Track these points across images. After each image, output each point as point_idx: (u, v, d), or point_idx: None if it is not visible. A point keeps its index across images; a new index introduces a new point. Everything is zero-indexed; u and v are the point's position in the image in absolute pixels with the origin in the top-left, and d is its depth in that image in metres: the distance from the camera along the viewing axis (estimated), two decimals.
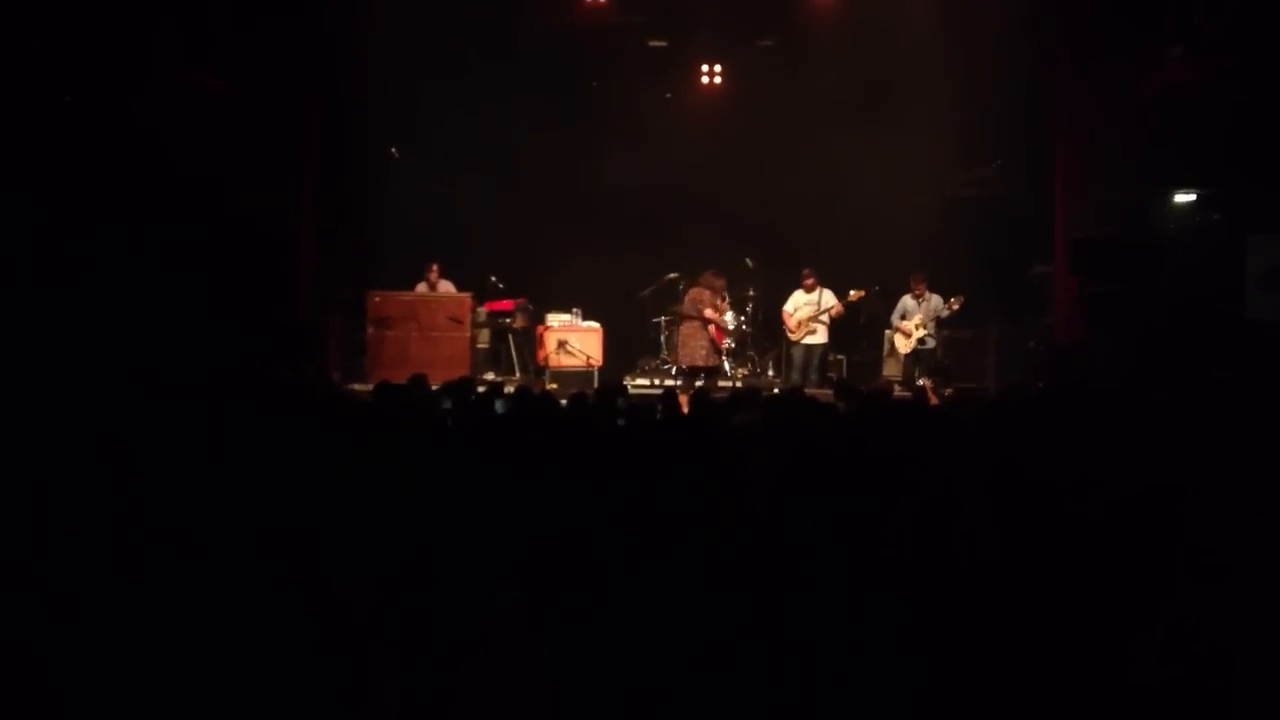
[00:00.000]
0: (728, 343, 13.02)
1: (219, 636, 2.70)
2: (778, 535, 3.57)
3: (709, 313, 12.37)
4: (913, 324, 12.59)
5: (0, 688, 2.69)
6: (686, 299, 12.58)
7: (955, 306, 12.41)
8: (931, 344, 12.64)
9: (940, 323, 12.58)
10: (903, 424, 6.51)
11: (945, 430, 6.51)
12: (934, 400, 10.52)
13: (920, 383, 12.26)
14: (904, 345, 12.73)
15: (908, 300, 12.78)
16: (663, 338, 13.85)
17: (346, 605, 2.88)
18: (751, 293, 13.94)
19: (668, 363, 13.62)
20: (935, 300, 12.55)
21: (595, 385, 11.89)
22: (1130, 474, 4.16)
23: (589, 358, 13.19)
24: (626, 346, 14.22)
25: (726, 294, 12.82)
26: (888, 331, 13.16)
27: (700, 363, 12.38)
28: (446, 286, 13.26)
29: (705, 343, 12.38)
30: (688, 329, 12.46)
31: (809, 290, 12.89)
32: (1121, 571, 3.39)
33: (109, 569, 3.19)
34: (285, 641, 2.65)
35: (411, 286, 13.19)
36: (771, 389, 11.76)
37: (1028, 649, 3.06)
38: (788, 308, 12.97)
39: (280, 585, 2.94)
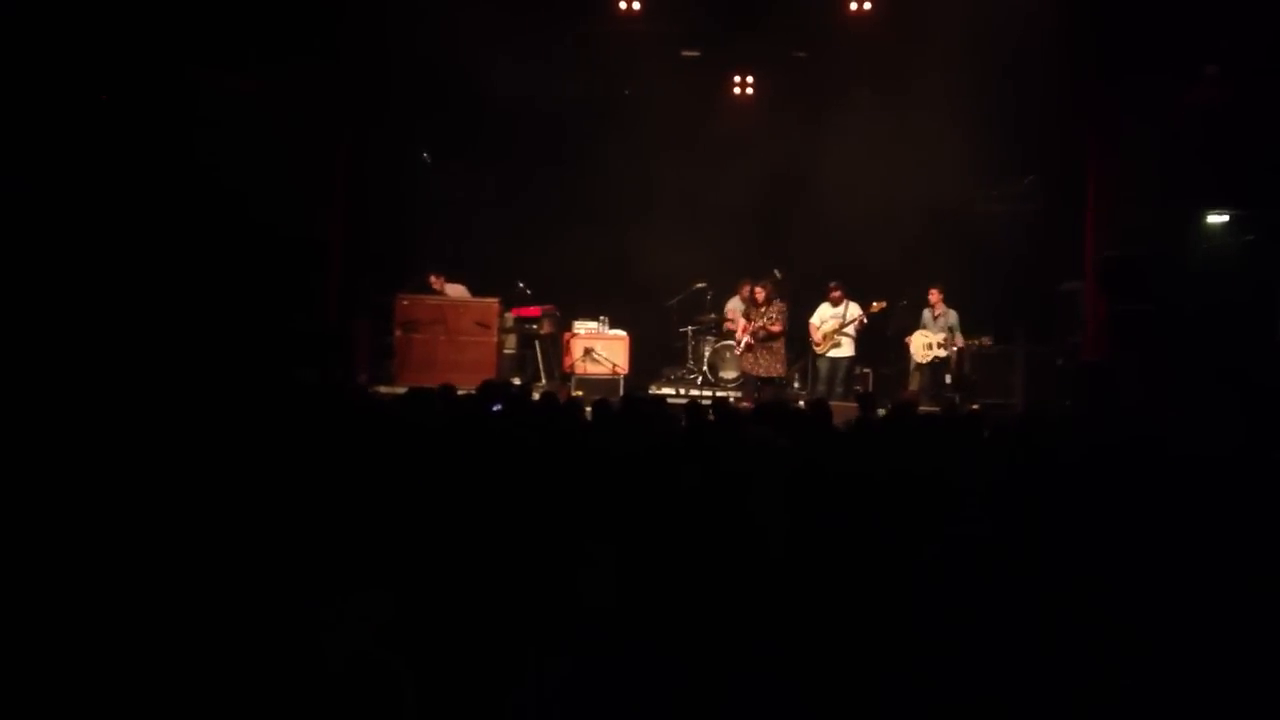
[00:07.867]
0: (746, 339, 12.87)
1: (223, 648, 2.71)
2: (792, 558, 3.57)
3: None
4: (932, 338, 12.62)
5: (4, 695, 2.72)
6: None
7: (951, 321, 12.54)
8: (944, 354, 12.65)
9: (965, 335, 12.62)
10: (927, 440, 6.49)
11: (967, 448, 6.48)
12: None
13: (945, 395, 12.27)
14: (921, 354, 12.74)
15: (926, 315, 12.85)
16: (689, 347, 13.86)
17: (362, 617, 2.89)
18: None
19: (693, 372, 13.65)
20: (952, 316, 12.61)
21: (621, 393, 11.91)
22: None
23: (615, 365, 13.22)
24: (653, 355, 14.24)
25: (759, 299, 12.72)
26: (908, 339, 13.08)
27: (762, 373, 12.63)
28: (457, 290, 13.23)
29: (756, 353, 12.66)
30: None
31: (835, 303, 12.87)
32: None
33: (119, 574, 3.21)
34: (293, 655, 2.66)
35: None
36: (798, 401, 11.76)
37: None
38: (814, 320, 12.96)
39: (291, 595, 2.95)
